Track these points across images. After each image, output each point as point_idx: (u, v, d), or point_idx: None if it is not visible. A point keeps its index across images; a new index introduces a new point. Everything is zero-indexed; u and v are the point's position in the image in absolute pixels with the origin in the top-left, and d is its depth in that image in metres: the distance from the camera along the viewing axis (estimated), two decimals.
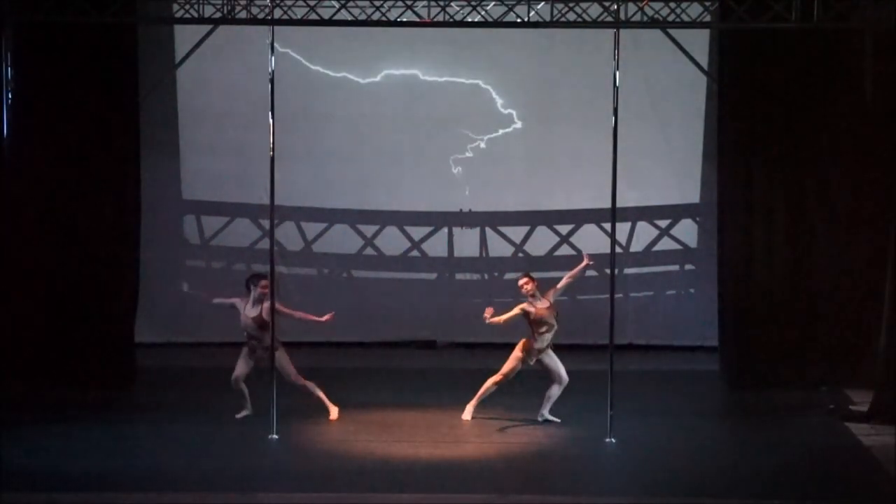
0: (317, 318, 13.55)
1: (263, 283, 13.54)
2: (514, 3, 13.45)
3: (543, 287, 13.66)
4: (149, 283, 16.21)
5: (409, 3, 13.41)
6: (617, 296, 13.75)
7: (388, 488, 11.40)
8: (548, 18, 13.49)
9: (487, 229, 17.55)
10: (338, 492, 11.32)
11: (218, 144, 17.14)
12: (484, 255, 17.63)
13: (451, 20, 13.48)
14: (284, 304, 13.78)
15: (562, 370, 13.53)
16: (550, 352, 13.58)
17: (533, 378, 13.77)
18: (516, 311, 13.54)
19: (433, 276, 17.65)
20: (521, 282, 13.65)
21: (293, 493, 11.32)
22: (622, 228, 16.89)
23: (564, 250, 17.38)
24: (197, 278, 17.40)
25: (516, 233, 17.51)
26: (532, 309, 13.50)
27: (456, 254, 17.61)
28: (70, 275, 14.90)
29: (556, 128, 17.16)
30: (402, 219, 17.50)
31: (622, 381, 13.45)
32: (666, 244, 17.45)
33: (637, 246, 17.40)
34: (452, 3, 13.51)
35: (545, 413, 13.61)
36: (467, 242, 17.59)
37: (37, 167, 14.88)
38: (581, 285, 17.16)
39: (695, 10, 13.58)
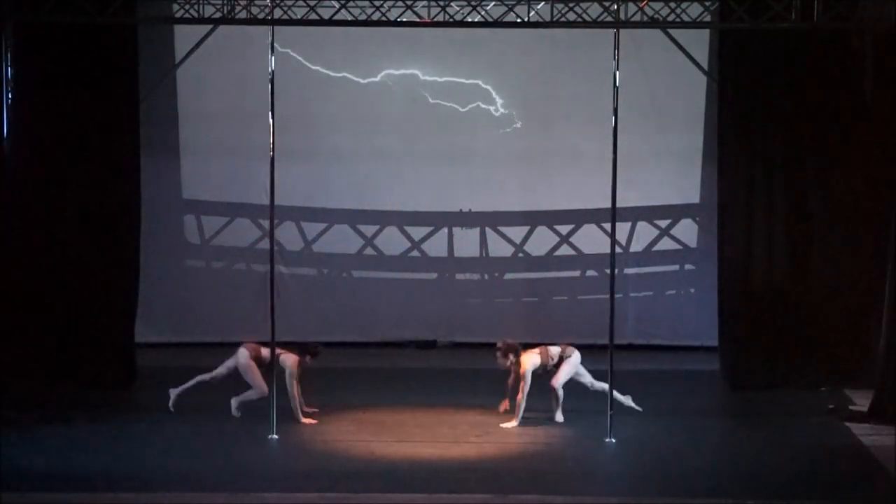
0: (301, 412, 13.48)
1: (319, 353, 13.66)
2: (514, 3, 13.45)
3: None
4: (149, 283, 16.20)
5: (409, 3, 13.40)
6: (617, 296, 13.74)
7: (388, 488, 11.39)
8: (548, 18, 13.49)
9: (487, 229, 17.54)
10: (338, 492, 11.31)
11: (218, 144, 17.13)
12: (484, 255, 17.62)
13: (451, 20, 13.48)
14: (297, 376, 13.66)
15: (558, 380, 13.47)
16: (568, 369, 13.51)
17: (534, 379, 13.74)
18: (528, 376, 13.41)
19: (433, 276, 17.64)
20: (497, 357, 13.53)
21: (293, 493, 11.32)
22: (622, 228, 16.87)
23: (564, 250, 17.39)
24: (197, 278, 17.41)
25: (516, 233, 17.50)
26: (520, 369, 13.39)
27: (456, 254, 17.60)
28: (70, 275, 14.89)
29: (556, 128, 17.15)
30: (402, 219, 17.49)
31: (622, 381, 13.46)
32: (666, 244, 17.44)
33: (637, 246, 17.38)
34: (452, 3, 13.51)
35: (558, 416, 13.58)
36: (467, 242, 17.58)
37: (37, 167, 14.87)
38: (581, 285, 17.22)
39: (695, 10, 13.58)
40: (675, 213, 17.35)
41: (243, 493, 11.26)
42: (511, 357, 13.44)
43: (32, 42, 14.66)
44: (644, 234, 17.37)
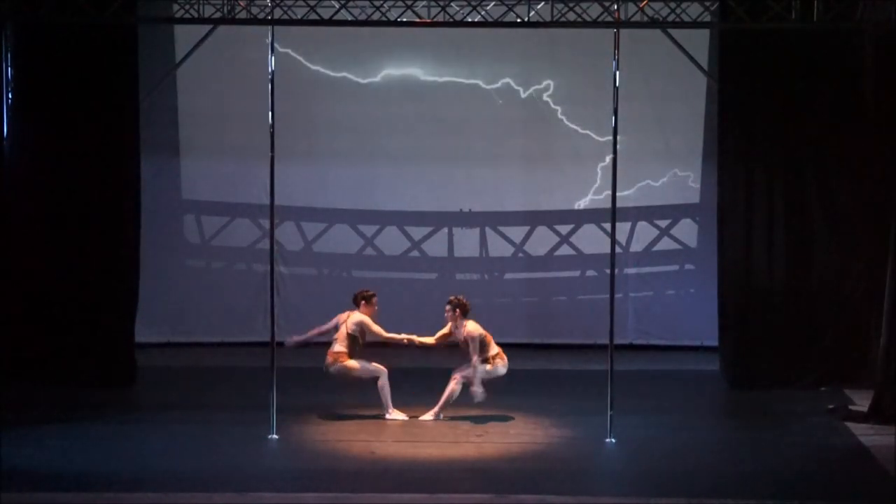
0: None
1: (375, 298, 13.87)
2: (514, 3, 13.45)
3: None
4: (149, 283, 16.20)
5: (409, 3, 13.40)
6: (617, 296, 13.75)
7: (388, 488, 11.39)
8: (548, 18, 13.48)
9: (487, 229, 17.55)
10: (338, 492, 11.31)
11: (218, 144, 17.14)
12: (484, 255, 17.63)
13: (451, 20, 13.47)
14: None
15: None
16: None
17: (532, 378, 13.75)
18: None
19: (433, 276, 17.64)
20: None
21: (293, 493, 11.32)
22: (622, 228, 16.87)
23: (564, 250, 17.38)
24: (197, 278, 17.41)
25: (516, 233, 17.50)
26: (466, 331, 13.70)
27: (456, 254, 17.61)
28: (70, 275, 14.90)
29: (557, 128, 17.15)
30: (402, 219, 17.50)
31: (622, 381, 13.45)
32: (666, 244, 17.44)
33: (637, 246, 17.39)
34: (452, 3, 13.51)
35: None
36: (467, 242, 17.59)
37: (37, 167, 14.88)
38: (581, 285, 17.20)
39: (695, 10, 13.58)
40: (675, 213, 17.35)
41: (243, 493, 11.25)
42: (458, 314, 13.64)
43: (32, 42, 14.67)
44: (644, 234, 17.37)
